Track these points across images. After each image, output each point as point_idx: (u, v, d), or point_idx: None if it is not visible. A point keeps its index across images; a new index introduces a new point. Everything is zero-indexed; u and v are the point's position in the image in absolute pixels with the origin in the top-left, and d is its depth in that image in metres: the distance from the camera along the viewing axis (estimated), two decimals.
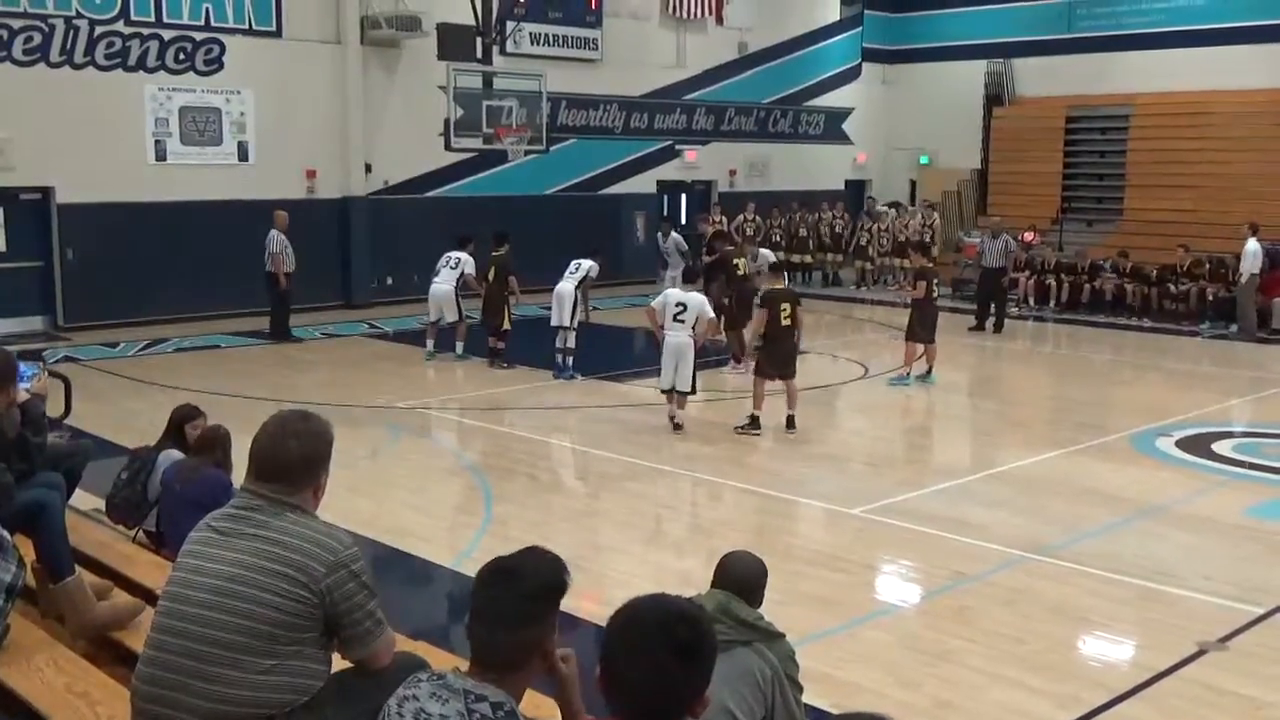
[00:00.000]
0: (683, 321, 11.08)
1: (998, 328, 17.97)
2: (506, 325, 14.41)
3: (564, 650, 2.59)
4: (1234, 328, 18.31)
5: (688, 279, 11.93)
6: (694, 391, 11.41)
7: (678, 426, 11.28)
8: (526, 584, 2.44)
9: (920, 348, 13.71)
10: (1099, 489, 9.48)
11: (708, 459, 10.61)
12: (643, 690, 2.15)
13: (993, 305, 18.10)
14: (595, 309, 16.96)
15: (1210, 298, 18.94)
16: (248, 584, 2.99)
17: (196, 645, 2.99)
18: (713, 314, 11.57)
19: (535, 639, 2.45)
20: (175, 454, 6.14)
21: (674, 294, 11.43)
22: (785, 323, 11.25)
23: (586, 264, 14.51)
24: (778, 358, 11.33)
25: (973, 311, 18.55)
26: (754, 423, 11.28)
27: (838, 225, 24.05)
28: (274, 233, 15.98)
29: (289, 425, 3.19)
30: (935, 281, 14.12)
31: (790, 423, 11.33)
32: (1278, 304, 18.36)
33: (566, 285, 14.09)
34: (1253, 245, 17.57)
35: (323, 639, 3.11)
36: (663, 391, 11.43)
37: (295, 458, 3.13)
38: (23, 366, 5.15)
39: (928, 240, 22.55)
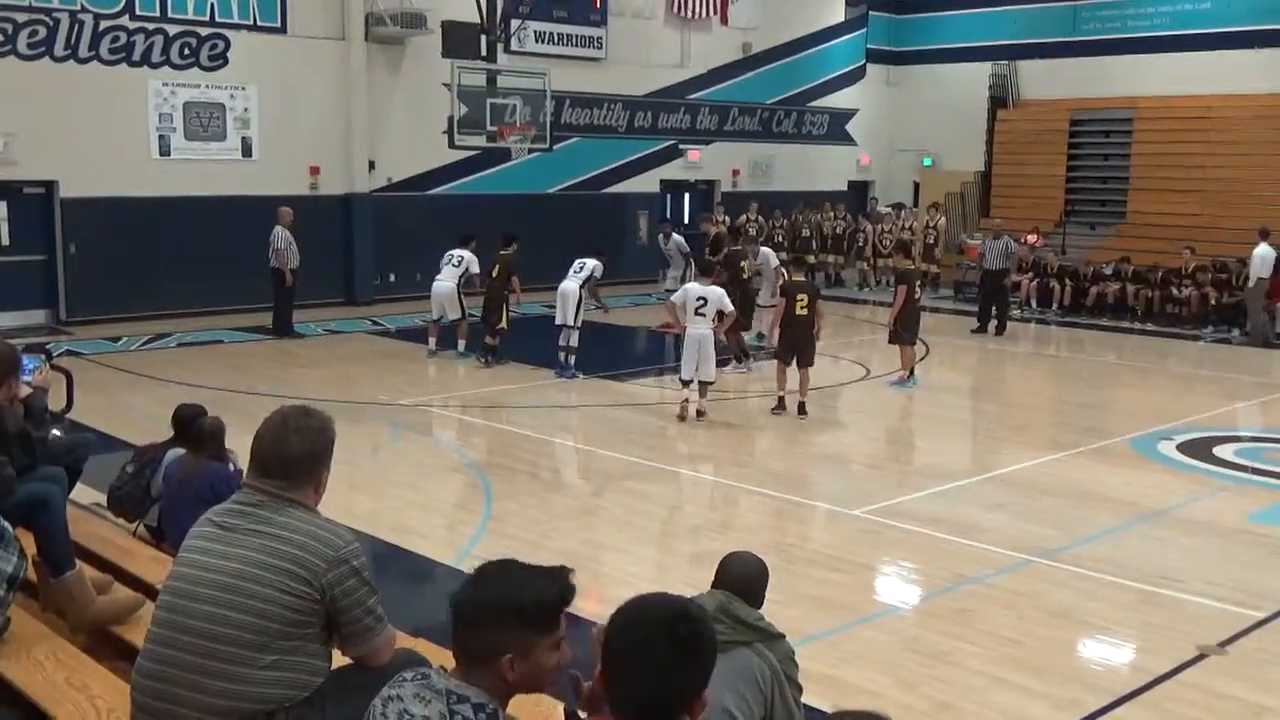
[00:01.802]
0: (704, 315, 11.47)
1: (1000, 330, 17.96)
2: (504, 324, 14.41)
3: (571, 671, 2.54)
4: (1236, 332, 18.31)
5: (705, 272, 12.14)
6: (713, 381, 11.83)
7: (700, 414, 11.68)
8: (488, 589, 2.43)
9: (915, 348, 13.85)
10: (1100, 492, 9.47)
11: (709, 458, 10.62)
12: (642, 688, 2.16)
13: (994, 307, 18.09)
14: (596, 308, 16.87)
15: (1213, 302, 18.93)
16: (250, 580, 3.00)
17: (198, 640, 3.00)
18: (731, 307, 11.88)
19: (487, 646, 2.38)
20: (180, 451, 6.15)
21: (694, 289, 11.73)
22: (801, 312, 11.87)
23: (591, 263, 14.48)
24: (792, 343, 11.97)
25: (972, 313, 18.55)
26: (780, 403, 11.92)
27: (839, 226, 24.07)
28: (279, 229, 15.99)
29: (291, 421, 3.20)
30: (918, 283, 14.21)
31: (802, 409, 11.81)
32: None
33: (571, 284, 14.08)
34: (1262, 250, 17.51)
35: (323, 634, 3.12)
36: (684, 382, 11.74)
37: (297, 453, 3.14)
38: (26, 359, 5.14)
39: (930, 241, 22.59)
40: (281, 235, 15.97)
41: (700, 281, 11.98)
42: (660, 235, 20.30)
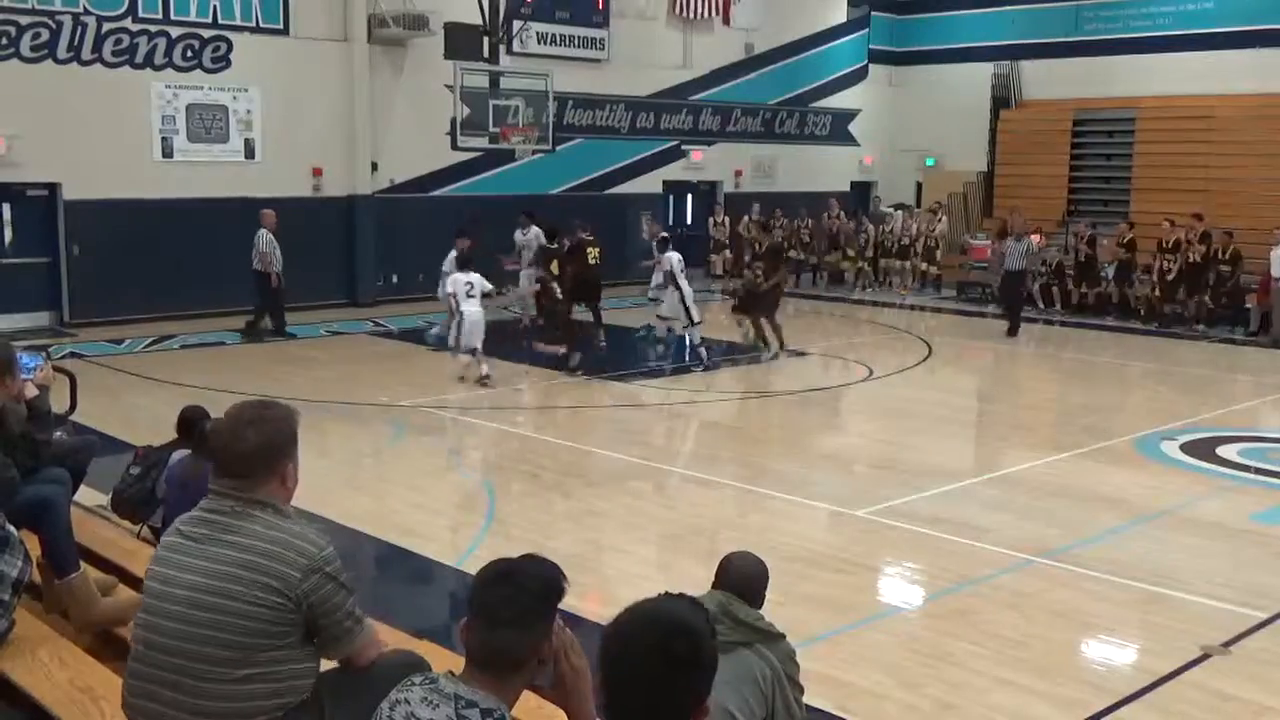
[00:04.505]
0: (474, 297, 13.32)
1: (1013, 331, 17.95)
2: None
3: (569, 638, 2.54)
4: (1239, 330, 18.30)
5: (464, 265, 13.77)
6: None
7: (486, 379, 13.26)
8: (529, 584, 2.42)
9: (747, 320, 15.44)
10: (1103, 492, 9.47)
11: (709, 459, 10.61)
12: (642, 703, 2.14)
13: (1006, 305, 18.10)
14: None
15: (1210, 305, 18.86)
16: (221, 594, 2.93)
17: (175, 658, 2.94)
18: (490, 286, 13.79)
19: (535, 640, 2.43)
20: (184, 453, 6.17)
21: (460, 277, 13.50)
22: (593, 263, 15.01)
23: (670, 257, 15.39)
24: (588, 289, 15.02)
25: (978, 314, 18.51)
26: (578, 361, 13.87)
27: (836, 226, 23.95)
28: (263, 232, 15.98)
29: (246, 414, 3.10)
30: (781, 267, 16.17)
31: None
32: None
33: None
34: None
35: (305, 640, 3.05)
36: (469, 351, 13.30)
37: (254, 447, 3.04)
38: (26, 358, 5.15)
39: (930, 244, 22.57)
40: (266, 238, 15.95)
41: (464, 270, 13.67)
42: (519, 229, 18.33)
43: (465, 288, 13.53)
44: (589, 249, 15.33)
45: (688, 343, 15.15)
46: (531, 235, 17.79)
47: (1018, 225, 18.60)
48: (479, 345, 13.28)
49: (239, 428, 3.06)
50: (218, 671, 2.92)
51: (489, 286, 13.79)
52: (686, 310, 14.94)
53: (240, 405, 3.15)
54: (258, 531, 2.99)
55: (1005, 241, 18.70)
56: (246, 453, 3.03)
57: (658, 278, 16.45)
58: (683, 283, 15.17)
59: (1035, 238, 21.13)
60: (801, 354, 15.73)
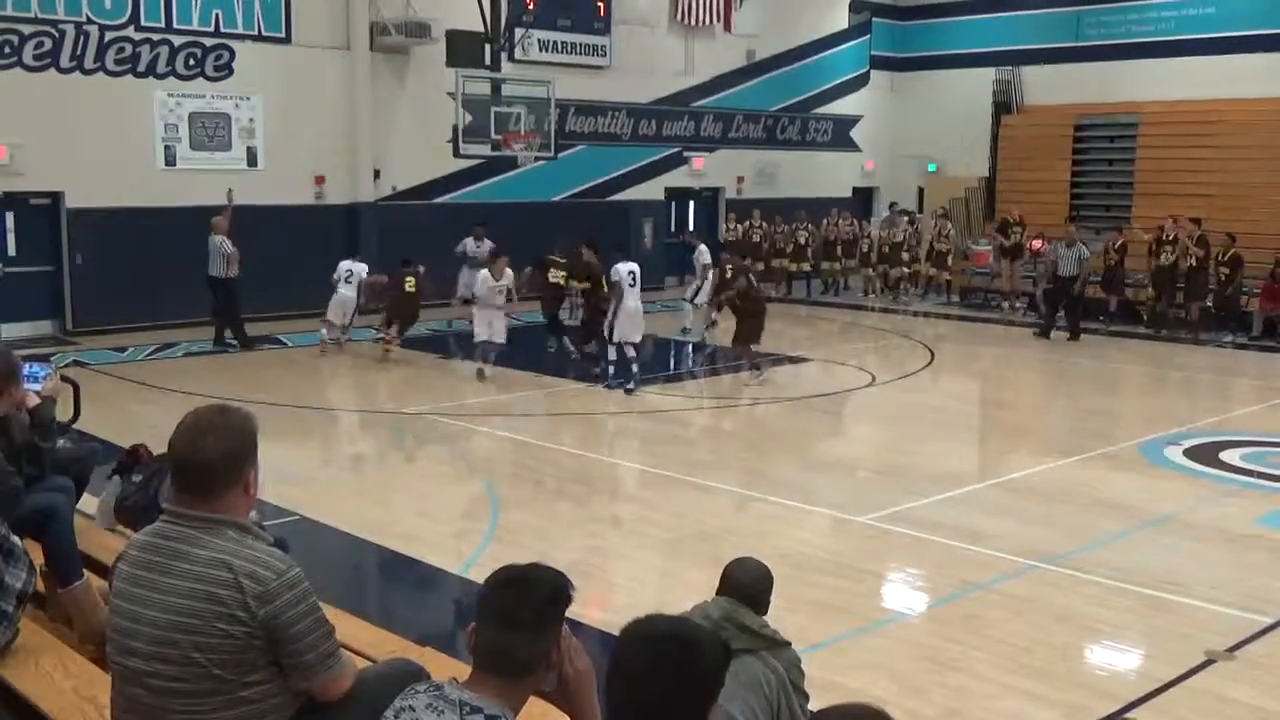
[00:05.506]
0: (350, 283, 15.49)
1: (1074, 336, 18.01)
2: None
3: (573, 642, 2.56)
4: (1240, 334, 18.33)
5: (357, 256, 16.13)
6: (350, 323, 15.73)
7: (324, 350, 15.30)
8: (539, 588, 2.44)
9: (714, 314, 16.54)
10: (1107, 497, 9.46)
11: (712, 465, 10.60)
12: (636, 707, 2.19)
13: (1065, 314, 18.22)
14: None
15: (1211, 308, 18.86)
16: (183, 629, 2.82)
17: (151, 696, 2.89)
18: (366, 275, 15.66)
19: (546, 645, 2.44)
20: None
21: (344, 264, 15.64)
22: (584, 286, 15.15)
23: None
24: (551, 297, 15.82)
25: (980, 320, 18.52)
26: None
27: (832, 233, 23.86)
28: (223, 239, 15.77)
29: (204, 422, 2.95)
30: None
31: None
32: None
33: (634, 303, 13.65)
34: None
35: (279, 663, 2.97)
36: (336, 325, 15.48)
37: (214, 456, 2.90)
38: (35, 367, 5.15)
39: (943, 249, 22.54)
40: (227, 245, 15.78)
41: (352, 258, 15.92)
42: (471, 237, 18.21)
43: (345, 274, 15.60)
44: (551, 260, 15.79)
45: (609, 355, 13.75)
46: (485, 247, 17.55)
47: (1068, 233, 18.66)
48: (342, 323, 15.53)
49: (197, 437, 2.91)
50: (193, 703, 2.85)
51: (365, 276, 15.67)
52: (611, 328, 13.37)
53: (194, 414, 2.98)
54: (213, 558, 2.85)
55: (1055, 247, 18.74)
56: (209, 462, 2.89)
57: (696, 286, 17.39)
58: (629, 299, 13.38)
59: (1037, 243, 21.19)
60: (804, 359, 15.73)
